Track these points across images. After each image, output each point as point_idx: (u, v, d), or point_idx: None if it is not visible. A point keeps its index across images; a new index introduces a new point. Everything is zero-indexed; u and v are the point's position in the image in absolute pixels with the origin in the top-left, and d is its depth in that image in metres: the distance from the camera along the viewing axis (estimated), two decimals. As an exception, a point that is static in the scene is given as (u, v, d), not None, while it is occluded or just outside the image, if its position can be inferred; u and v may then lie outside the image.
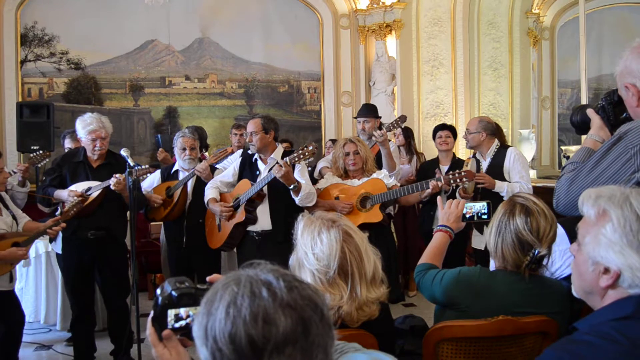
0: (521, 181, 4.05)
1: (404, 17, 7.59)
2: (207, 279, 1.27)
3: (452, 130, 4.89)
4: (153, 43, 7.51)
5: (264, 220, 3.74)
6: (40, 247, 4.61)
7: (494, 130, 4.32)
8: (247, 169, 3.91)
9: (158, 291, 1.19)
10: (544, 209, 1.92)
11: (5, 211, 3.31)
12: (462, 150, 7.37)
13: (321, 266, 1.66)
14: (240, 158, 4.04)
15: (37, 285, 4.73)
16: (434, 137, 4.90)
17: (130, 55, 7.45)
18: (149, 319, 1.18)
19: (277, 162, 3.53)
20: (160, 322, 1.16)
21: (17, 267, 4.01)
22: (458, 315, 1.89)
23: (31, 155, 4.10)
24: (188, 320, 1.15)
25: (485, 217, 2.23)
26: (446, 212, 2.27)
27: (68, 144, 4.67)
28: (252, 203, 3.73)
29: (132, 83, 7.45)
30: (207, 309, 0.95)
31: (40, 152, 4.13)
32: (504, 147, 4.31)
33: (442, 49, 7.63)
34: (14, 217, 3.35)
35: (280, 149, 3.90)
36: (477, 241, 4.10)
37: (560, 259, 2.16)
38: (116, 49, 7.36)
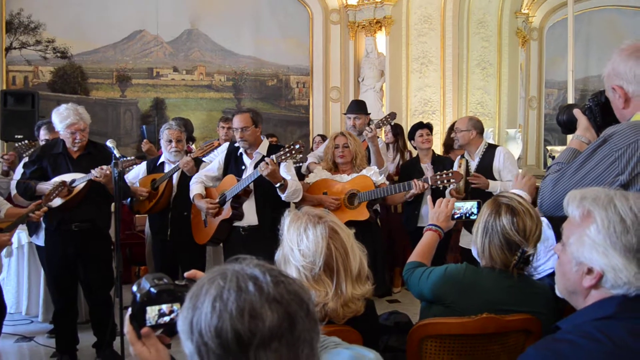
0: (512, 179, 4.08)
1: (394, 13, 7.59)
2: (185, 274, 1.26)
3: (430, 128, 4.92)
4: (141, 33, 7.43)
5: (250, 216, 3.73)
6: (23, 237, 4.56)
7: (483, 129, 4.35)
8: (233, 163, 3.90)
9: (134, 288, 1.17)
10: (529, 208, 1.94)
11: (-14, 199, 3.27)
12: (439, 149, 7.42)
13: (307, 262, 1.66)
14: (226, 152, 4.02)
15: (19, 276, 4.68)
16: (412, 137, 4.92)
17: (118, 45, 7.36)
18: (127, 316, 1.17)
19: (264, 160, 3.51)
20: (138, 320, 1.14)
21: (1, 256, 3.98)
22: (444, 310, 1.91)
23: (16, 145, 4.04)
24: (170, 317, 1.14)
25: (474, 216, 2.25)
26: (436, 211, 2.29)
27: (44, 135, 4.45)
28: (238, 199, 3.71)
29: (119, 73, 7.37)
30: (192, 303, 0.94)
31: (26, 142, 4.08)
32: (492, 147, 4.34)
33: (432, 47, 7.64)
34: (-6, 205, 3.30)
35: (266, 142, 3.89)
36: (466, 241, 4.11)
37: (545, 255, 2.18)
38: (103, 38, 7.27)
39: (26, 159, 4.05)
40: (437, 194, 4.08)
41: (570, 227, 1.26)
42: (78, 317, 4.08)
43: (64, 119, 3.65)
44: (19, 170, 4.02)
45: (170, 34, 7.53)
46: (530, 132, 8.92)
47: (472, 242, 2.01)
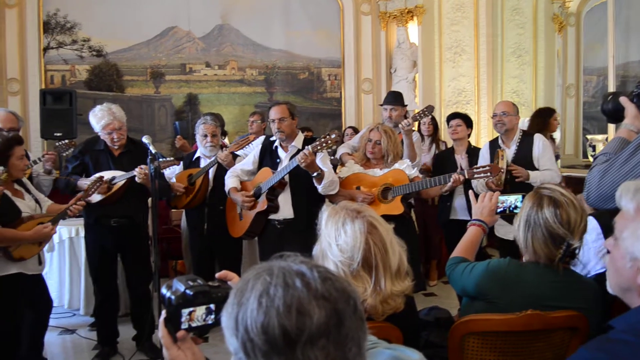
0: (552, 168, 3.96)
1: (426, 3, 7.47)
2: (217, 275, 1.24)
3: (464, 118, 4.80)
4: (173, 30, 7.51)
5: (285, 209, 3.72)
6: (64, 232, 4.66)
7: None
8: (268, 157, 3.89)
9: (166, 291, 1.15)
10: (572, 199, 1.87)
11: (28, 195, 3.35)
12: (484, 139, 7.29)
13: (345, 258, 1.63)
14: (261, 145, 4.02)
15: (61, 270, 4.79)
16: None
17: (151, 42, 7.46)
18: (161, 320, 1.15)
19: (301, 150, 3.49)
20: (174, 323, 1.12)
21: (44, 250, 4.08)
22: (486, 306, 1.86)
23: (56, 144, 4.13)
24: (205, 318, 1.12)
25: (518, 210, 2.17)
26: (479, 206, 2.23)
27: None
28: (274, 191, 3.71)
29: (153, 70, 7.48)
30: (237, 299, 0.93)
31: (65, 141, 4.16)
32: (527, 134, 4.22)
33: (465, 35, 7.51)
34: (36, 201, 3.38)
35: (301, 136, 3.87)
36: (505, 231, 4.00)
37: (596, 257, 2.11)
38: (137, 36, 7.39)
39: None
40: (469, 186, 4.00)
41: (624, 220, 1.20)
42: (118, 310, 4.16)
43: (99, 120, 3.73)
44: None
45: (201, 30, 7.59)
46: (568, 121, 8.67)
47: (514, 236, 1.95)
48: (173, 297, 1.12)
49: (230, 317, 0.93)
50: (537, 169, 4.02)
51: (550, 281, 1.84)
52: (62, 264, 4.78)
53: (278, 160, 3.81)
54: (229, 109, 7.59)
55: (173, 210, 5.59)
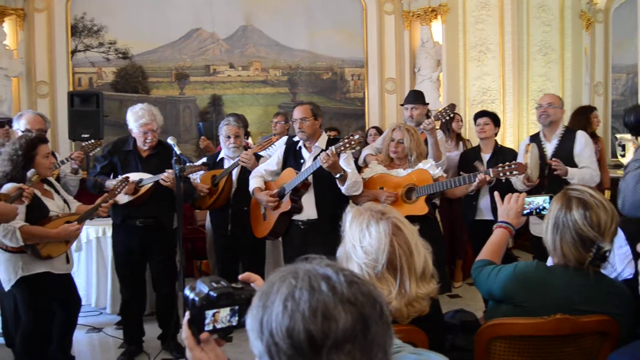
0: (592, 167, 3.88)
1: (450, 1, 7.40)
2: (239, 277, 1.24)
3: (492, 117, 4.73)
4: (198, 32, 7.57)
5: (309, 209, 3.71)
6: (91, 232, 4.74)
7: None
8: (291, 157, 3.89)
9: (189, 293, 1.14)
10: (603, 201, 1.83)
11: (57, 195, 3.41)
12: (509, 138, 7.19)
13: (369, 260, 1.62)
14: (284, 146, 4.03)
15: (88, 269, 4.87)
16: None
17: (176, 44, 7.54)
18: (185, 321, 1.14)
19: (324, 151, 3.49)
20: (197, 325, 1.12)
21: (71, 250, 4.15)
22: (513, 310, 1.83)
23: (83, 144, 4.20)
24: (228, 320, 1.12)
25: (545, 212, 2.13)
26: (505, 208, 2.19)
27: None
28: (297, 192, 3.71)
29: (177, 72, 7.55)
30: (262, 302, 0.92)
31: (92, 141, 4.23)
32: (569, 130, 4.14)
33: (490, 34, 7.41)
34: (65, 202, 3.44)
35: (324, 136, 3.86)
36: (540, 229, 3.91)
37: (622, 263, 2.06)
38: (162, 38, 7.47)
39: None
40: (501, 187, 3.93)
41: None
42: (144, 309, 4.21)
43: (138, 118, 3.77)
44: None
45: (225, 31, 7.63)
46: (597, 120, 8.50)
47: (543, 237, 1.92)
48: (197, 298, 1.11)
49: (255, 320, 0.92)
50: (577, 166, 3.94)
51: (580, 285, 1.80)
52: (90, 263, 4.85)
53: (302, 160, 3.81)
54: (253, 110, 7.62)
55: (197, 210, 5.64)
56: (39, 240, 3.10)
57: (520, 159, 4.07)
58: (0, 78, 6.82)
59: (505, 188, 3.77)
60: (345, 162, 3.65)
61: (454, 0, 7.40)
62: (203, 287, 1.13)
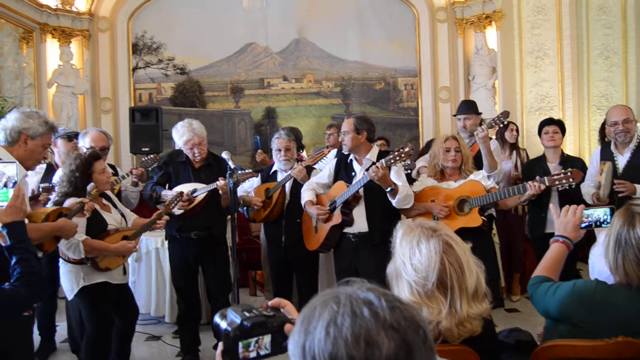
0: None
1: (504, 7, 7.24)
2: (269, 303, 1.23)
3: (559, 125, 4.56)
4: (252, 46, 7.74)
5: (360, 222, 3.70)
6: (150, 243, 4.89)
7: None
8: (343, 170, 3.90)
9: (220, 321, 1.14)
10: (669, 216, 1.74)
11: (114, 209, 3.54)
12: (569, 147, 6.93)
13: (419, 278, 1.60)
14: (336, 159, 4.04)
15: (148, 279, 5.02)
16: (539, 133, 4.61)
17: (231, 59, 7.73)
18: (218, 352, 1.13)
19: (374, 164, 3.48)
20: (231, 355, 1.10)
21: (130, 261, 4.31)
22: (571, 331, 1.76)
23: (142, 159, 4.38)
24: (261, 349, 1.11)
25: (606, 225, 2.02)
26: (562, 221, 2.10)
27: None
28: (348, 205, 3.71)
29: (232, 85, 7.74)
30: (304, 327, 0.92)
31: (151, 156, 4.40)
32: None
33: (547, 39, 7.20)
34: (122, 215, 3.57)
35: (375, 149, 3.85)
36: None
37: None
38: (217, 53, 7.69)
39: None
40: (566, 199, 3.78)
41: None
42: (201, 319, 4.30)
43: (181, 136, 3.92)
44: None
45: (279, 45, 7.77)
46: (664, 126, 8.09)
47: (604, 255, 1.84)
48: (230, 328, 1.11)
49: (297, 346, 0.92)
50: None
51: (643, 306, 1.72)
52: (149, 274, 5.00)
53: (353, 173, 3.81)
54: (306, 122, 7.70)
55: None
56: (98, 253, 3.24)
57: (590, 175, 3.92)
58: (68, 96, 7.20)
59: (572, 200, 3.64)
60: (396, 175, 3.62)
61: (509, 6, 7.23)
62: (235, 317, 1.12)
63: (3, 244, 2.15)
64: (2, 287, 2.02)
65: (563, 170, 3.39)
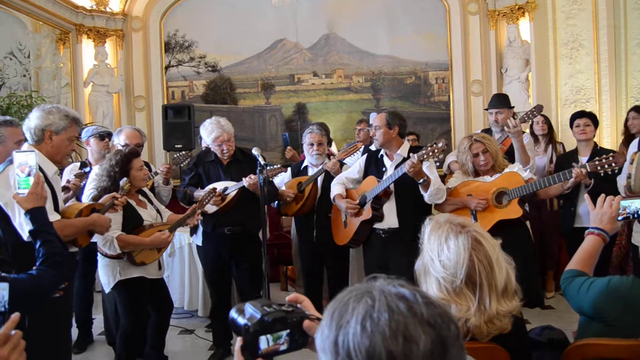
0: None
1: (537, -3, 7.09)
2: (287, 299, 1.22)
3: (591, 117, 4.46)
4: (282, 42, 7.77)
5: (390, 218, 3.70)
6: (183, 239, 4.98)
7: None
8: (373, 166, 3.89)
9: (237, 316, 1.13)
10: None
11: (150, 205, 3.62)
12: (606, 140, 6.75)
13: (447, 274, 1.59)
14: (366, 154, 4.03)
15: (181, 274, 5.12)
16: (571, 126, 4.52)
17: (261, 55, 7.78)
18: (237, 348, 1.12)
19: (409, 158, 3.46)
20: (251, 351, 1.09)
21: (164, 256, 4.39)
22: (604, 329, 1.72)
23: (174, 155, 4.45)
24: (279, 345, 1.10)
25: None
26: (598, 213, 2.03)
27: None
28: (379, 200, 3.70)
29: (263, 82, 7.79)
30: (335, 322, 0.91)
31: (183, 152, 4.47)
32: None
33: (583, 29, 7.00)
34: (158, 211, 3.65)
35: (406, 144, 3.83)
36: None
37: None
38: (248, 50, 7.74)
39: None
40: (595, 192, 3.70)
41: None
42: (232, 313, 4.35)
43: (209, 133, 3.97)
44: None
45: (308, 40, 7.77)
46: None
47: None
48: (250, 323, 1.09)
49: (328, 340, 0.91)
50: None
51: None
52: (182, 268, 5.10)
53: (384, 169, 3.80)
54: (337, 117, 7.70)
55: (284, 217, 5.77)
56: (134, 248, 3.31)
57: (625, 168, 3.82)
58: (103, 94, 7.36)
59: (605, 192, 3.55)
60: (428, 170, 3.60)
61: (542, -3, 7.08)
62: (255, 312, 1.10)
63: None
64: (28, 272, 2.08)
65: (605, 155, 3.31)
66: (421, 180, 3.47)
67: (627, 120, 4.90)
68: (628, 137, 4.82)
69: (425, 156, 3.36)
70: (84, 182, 3.85)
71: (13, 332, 1.36)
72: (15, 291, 1.72)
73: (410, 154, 3.53)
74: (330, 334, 0.91)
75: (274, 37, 7.75)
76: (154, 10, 7.72)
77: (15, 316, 1.38)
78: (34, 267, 2.14)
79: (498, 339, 1.58)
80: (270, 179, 3.91)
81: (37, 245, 2.20)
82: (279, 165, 4.02)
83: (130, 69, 7.72)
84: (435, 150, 3.34)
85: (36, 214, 2.26)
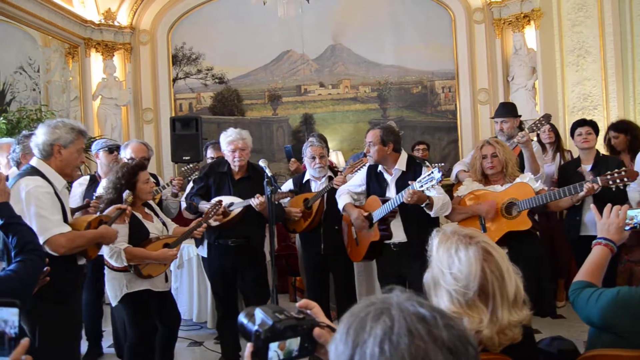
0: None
1: (543, 5, 7.10)
2: (297, 305, 1.21)
3: (592, 125, 4.45)
4: (288, 54, 7.83)
5: (398, 233, 3.68)
6: (192, 250, 4.99)
7: None
8: (374, 180, 3.87)
9: (246, 321, 1.11)
10: None
11: (156, 218, 3.63)
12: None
13: (459, 287, 1.58)
14: (366, 169, 4.01)
15: (190, 285, 5.11)
16: (572, 135, 4.51)
17: (268, 67, 7.83)
18: (247, 353, 1.10)
19: (404, 172, 3.49)
20: (261, 357, 1.08)
21: (172, 268, 4.40)
22: (614, 341, 1.71)
23: (182, 168, 4.47)
24: (289, 353, 1.09)
25: None
26: (605, 223, 2.02)
27: (210, 153, 5.04)
28: (385, 221, 3.69)
29: (270, 93, 7.83)
30: (352, 339, 0.89)
31: (190, 165, 4.49)
32: None
33: (589, 36, 6.99)
34: (164, 224, 3.66)
35: (404, 156, 3.78)
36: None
37: None
38: (255, 62, 7.81)
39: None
40: (601, 201, 3.69)
41: None
42: (240, 325, 4.34)
43: (227, 137, 3.96)
44: (189, 186, 4.42)
45: (315, 51, 7.83)
46: None
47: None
48: (261, 330, 1.08)
49: (343, 356, 0.89)
50: None
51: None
52: (191, 280, 5.09)
53: (385, 184, 3.79)
54: (344, 127, 7.73)
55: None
56: (140, 261, 3.33)
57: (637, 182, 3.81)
58: (112, 107, 7.44)
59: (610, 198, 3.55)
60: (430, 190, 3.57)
61: (548, 5, 7.08)
62: (266, 318, 1.09)
63: None
64: (8, 269, 2.14)
65: (617, 170, 3.30)
66: (424, 204, 3.47)
67: (609, 140, 4.72)
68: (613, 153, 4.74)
69: (422, 186, 3.32)
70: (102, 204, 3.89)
71: (24, 357, 1.36)
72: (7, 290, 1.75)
73: (409, 182, 3.48)
74: (346, 351, 0.89)
75: (281, 48, 7.81)
76: (162, 24, 7.80)
77: (25, 341, 1.39)
78: (13, 261, 2.19)
79: (508, 349, 1.58)
80: (277, 202, 3.90)
81: (10, 238, 2.26)
82: (287, 190, 4.02)
83: (138, 81, 7.79)
84: (433, 181, 3.27)
85: (3, 208, 2.31)
